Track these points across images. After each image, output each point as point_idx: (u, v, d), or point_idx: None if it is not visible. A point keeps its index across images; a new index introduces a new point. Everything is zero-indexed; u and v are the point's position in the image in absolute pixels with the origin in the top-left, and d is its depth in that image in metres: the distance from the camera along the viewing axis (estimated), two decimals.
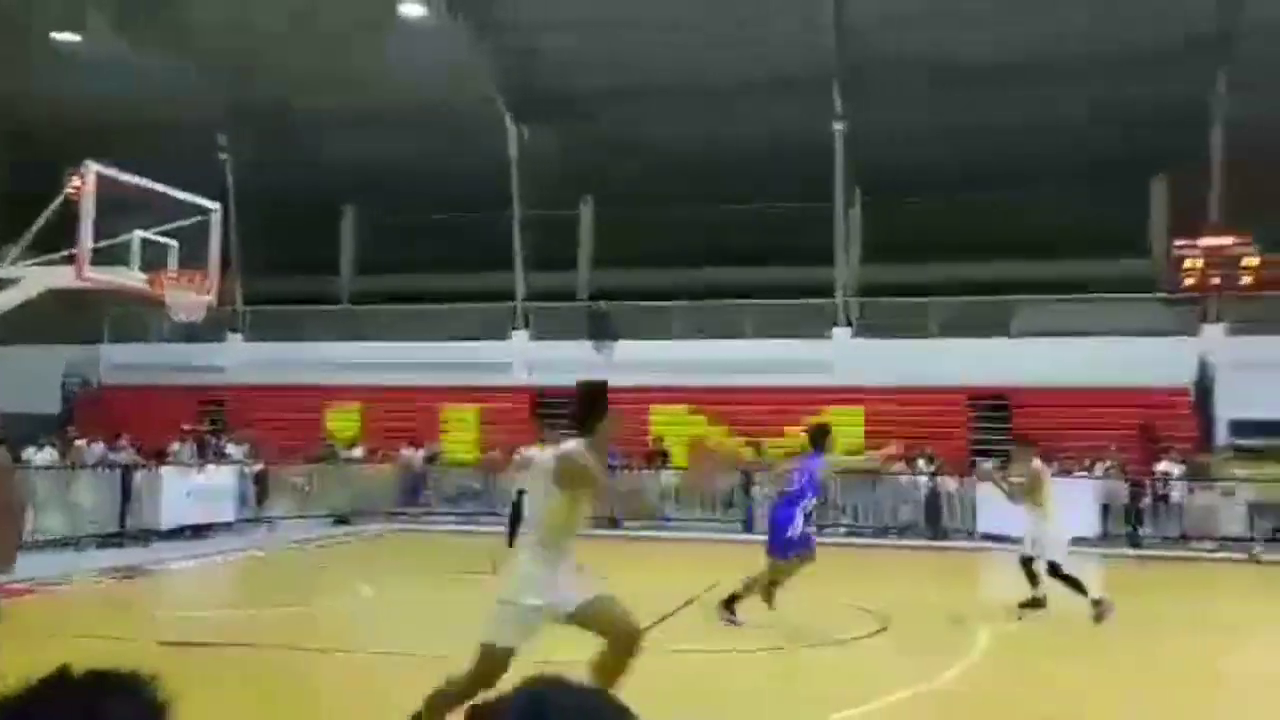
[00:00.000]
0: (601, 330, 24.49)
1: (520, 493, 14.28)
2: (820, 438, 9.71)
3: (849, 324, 23.51)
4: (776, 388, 21.71)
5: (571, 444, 4.96)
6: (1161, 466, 17.67)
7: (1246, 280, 21.31)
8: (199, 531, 15.83)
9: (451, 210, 26.57)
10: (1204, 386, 20.82)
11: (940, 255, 24.57)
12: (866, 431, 21.14)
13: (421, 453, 20.18)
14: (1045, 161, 22.90)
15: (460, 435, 22.87)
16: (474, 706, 1.07)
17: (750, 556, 13.05)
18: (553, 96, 24.13)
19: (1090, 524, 16.69)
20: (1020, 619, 9.72)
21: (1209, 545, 16.40)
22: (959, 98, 21.91)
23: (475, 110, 23.71)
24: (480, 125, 23.88)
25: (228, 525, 16.61)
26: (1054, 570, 9.84)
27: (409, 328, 25.86)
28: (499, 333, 25.46)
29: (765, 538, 9.62)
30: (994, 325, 22.87)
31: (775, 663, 8.01)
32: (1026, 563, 10.17)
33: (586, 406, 5.10)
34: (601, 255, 27.78)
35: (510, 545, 13.96)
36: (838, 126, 22.71)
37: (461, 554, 15.30)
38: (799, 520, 9.23)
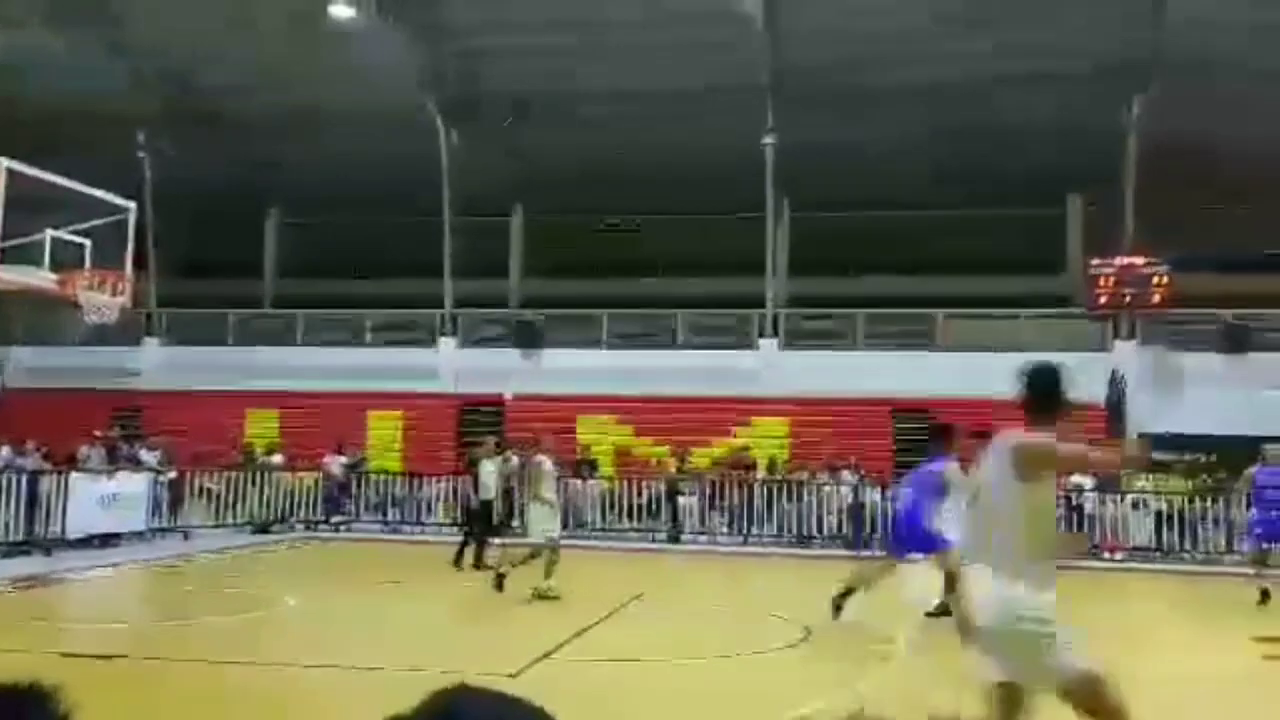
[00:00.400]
0: (530, 339, 24.42)
1: (484, 503, 14.18)
2: (940, 438, 9.59)
3: (776, 335, 23.78)
4: (704, 398, 21.85)
5: (1026, 434, 4.08)
6: (1074, 479, 18.18)
7: (1157, 298, 22.14)
8: (109, 540, 15.31)
9: (380, 214, 26.24)
10: (1116, 401, 21.51)
11: (866, 269, 25.04)
12: (791, 441, 21.44)
13: (342, 459, 19.80)
14: (968, 179, 23.47)
15: (384, 442, 22.54)
16: (390, 719, 1.06)
17: (680, 565, 13.11)
18: (484, 102, 24.00)
19: None
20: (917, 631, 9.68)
21: (1119, 555, 16.94)
22: (886, 115, 22.35)
23: (406, 114, 23.43)
24: (410, 129, 23.61)
25: (139, 534, 16.11)
26: None
27: (333, 333, 25.46)
28: (426, 339, 25.19)
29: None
30: (918, 339, 23.37)
31: (692, 673, 8.03)
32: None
33: (1045, 393, 4.13)
34: (531, 263, 27.69)
35: (462, 556, 13.78)
36: (769, 139, 22.98)
37: (385, 562, 15.08)
38: (924, 523, 9.18)
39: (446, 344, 24.99)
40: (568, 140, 23.84)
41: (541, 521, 11.37)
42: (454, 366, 24.52)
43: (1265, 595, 11.51)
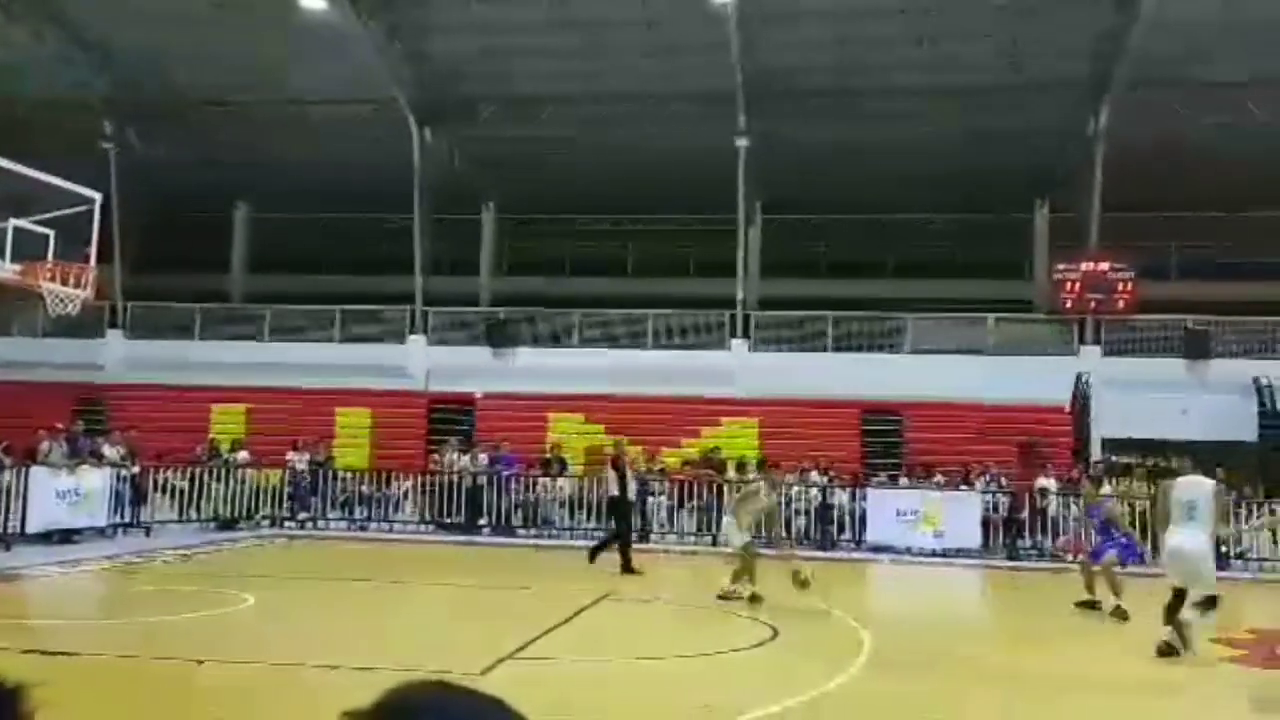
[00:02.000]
0: (501, 337, 24.35)
1: (621, 497, 14.10)
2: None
3: (747, 336, 23.86)
4: (674, 398, 21.88)
5: None
6: (1040, 482, 18.37)
7: (1122, 304, 22.44)
8: (69, 536, 15.10)
9: (351, 211, 26.08)
10: (1081, 404, 21.78)
11: (837, 272, 25.19)
12: (762, 443, 21.51)
13: (307, 456, 19.62)
14: (937, 184, 23.68)
15: (353, 439, 22.37)
16: (347, 713, 1.05)
17: (648, 564, 13.14)
18: (457, 101, 23.90)
19: (972, 536, 17.31)
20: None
21: (1081, 558, 17.09)
22: (857, 120, 22.50)
23: (378, 111, 23.30)
24: (383, 126, 23.48)
25: (100, 530, 15.89)
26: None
27: (302, 329, 25.26)
28: (396, 336, 25.05)
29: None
30: (887, 341, 23.54)
31: (659, 672, 8.05)
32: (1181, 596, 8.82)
33: None
34: (502, 261, 27.63)
35: (600, 553, 13.59)
36: (741, 142, 23.05)
37: (352, 560, 14.97)
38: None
39: (417, 341, 24.87)
40: (539, 139, 23.81)
41: (738, 537, 11.60)
42: (424, 364, 24.41)
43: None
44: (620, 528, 14.12)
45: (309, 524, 18.69)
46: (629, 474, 14.64)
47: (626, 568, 13.38)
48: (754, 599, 10.94)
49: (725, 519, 12.19)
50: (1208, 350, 22.09)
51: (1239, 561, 16.33)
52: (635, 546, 14.09)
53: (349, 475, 19.75)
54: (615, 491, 14.30)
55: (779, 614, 10.19)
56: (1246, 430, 20.62)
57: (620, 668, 8.09)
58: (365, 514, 19.13)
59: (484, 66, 22.81)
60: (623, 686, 7.50)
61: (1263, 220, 23.54)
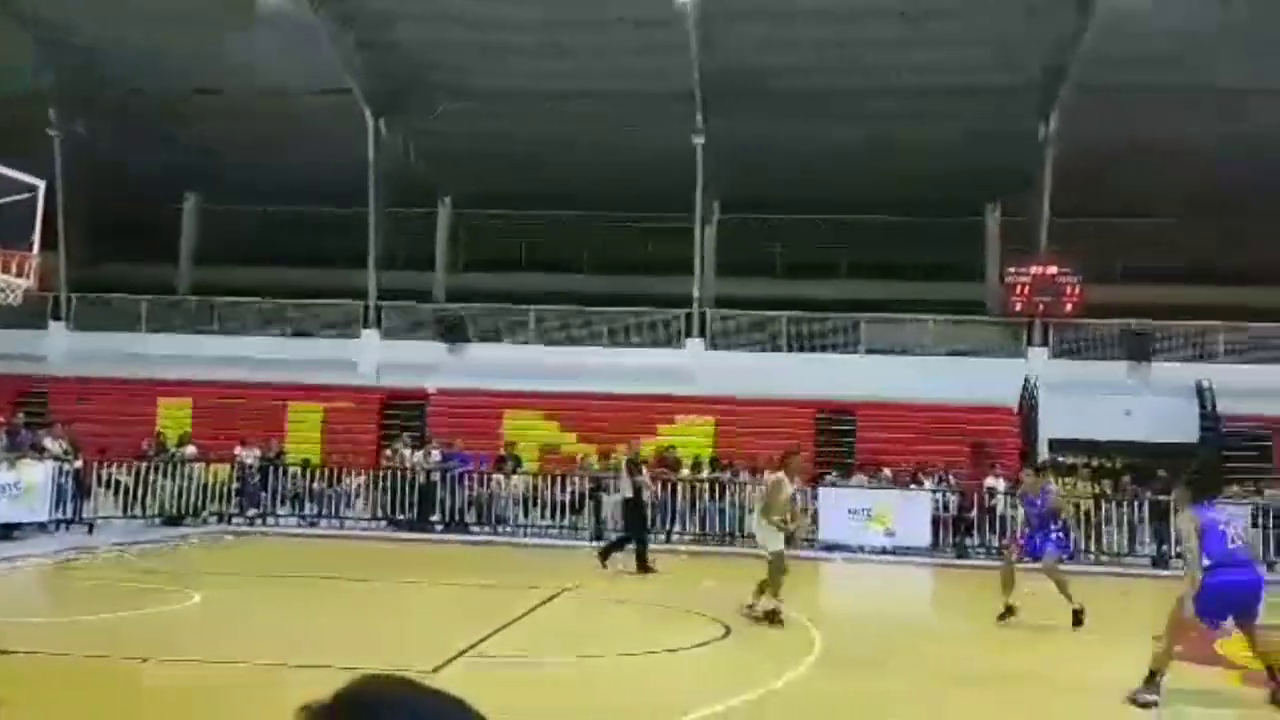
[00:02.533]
0: (454, 333, 24.17)
1: (634, 499, 14.06)
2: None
3: (703, 335, 23.91)
4: (630, 396, 21.89)
5: None
6: (988, 482, 18.63)
7: (1069, 307, 22.81)
8: (9, 531, 14.73)
9: (303, 203, 25.72)
10: (1028, 405, 22.13)
11: (793, 273, 25.31)
12: (717, 441, 21.62)
13: (256, 451, 19.33)
14: (892, 187, 23.88)
15: (304, 435, 22.08)
16: (304, 707, 1.03)
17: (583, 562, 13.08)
18: (413, 94, 23.67)
19: (922, 535, 17.52)
20: None
21: (1011, 555, 17.35)
22: (814, 120, 22.63)
23: (332, 102, 22.99)
24: (337, 118, 23.17)
25: (41, 525, 15.53)
26: None
27: (252, 322, 24.87)
28: (348, 331, 24.76)
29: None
30: (842, 341, 23.73)
31: (607, 670, 8.04)
32: None
33: None
34: (458, 257, 27.43)
35: (609, 556, 13.61)
36: (698, 140, 23.06)
37: (301, 557, 14.78)
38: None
39: (369, 336, 24.60)
40: (496, 134, 23.66)
41: (774, 540, 10.30)
42: (376, 359, 24.16)
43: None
44: (641, 530, 14.26)
45: (258, 520, 18.42)
46: (646, 477, 14.71)
47: (642, 565, 13.57)
48: (774, 618, 9.83)
49: (754, 519, 11.08)
50: (1150, 353, 22.53)
51: (1178, 560, 16.67)
52: (590, 545, 14.17)
53: (299, 471, 19.47)
54: (629, 494, 14.35)
55: (732, 612, 10.22)
56: (1188, 432, 21.07)
57: (568, 666, 8.07)
58: (316, 510, 18.90)
59: (441, 59, 22.61)
60: (569, 685, 7.48)
61: (1208, 226, 24.03)
